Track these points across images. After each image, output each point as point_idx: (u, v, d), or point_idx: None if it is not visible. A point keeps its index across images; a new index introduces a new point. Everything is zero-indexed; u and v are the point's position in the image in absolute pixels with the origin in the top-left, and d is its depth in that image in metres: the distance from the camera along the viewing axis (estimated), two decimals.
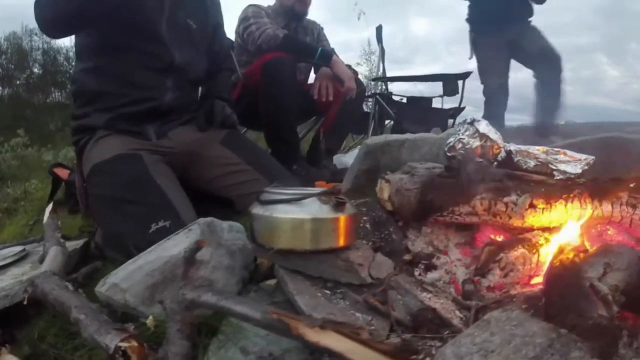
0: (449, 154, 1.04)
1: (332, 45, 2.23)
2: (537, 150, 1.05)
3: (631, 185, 1.07)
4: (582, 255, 0.78)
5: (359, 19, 4.58)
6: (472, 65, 2.86)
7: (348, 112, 2.10)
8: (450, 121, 2.69)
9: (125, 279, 0.77)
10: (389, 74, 3.02)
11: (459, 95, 2.72)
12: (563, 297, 0.70)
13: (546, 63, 2.73)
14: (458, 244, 1.11)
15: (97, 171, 1.25)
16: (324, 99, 1.94)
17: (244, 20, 1.98)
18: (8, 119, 5.78)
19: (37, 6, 1.15)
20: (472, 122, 1.01)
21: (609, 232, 1.09)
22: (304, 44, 1.97)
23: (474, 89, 2.85)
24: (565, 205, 0.99)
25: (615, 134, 1.55)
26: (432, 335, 0.71)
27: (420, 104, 2.81)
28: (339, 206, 0.79)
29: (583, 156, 1.08)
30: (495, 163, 1.04)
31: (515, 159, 1.05)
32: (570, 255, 0.79)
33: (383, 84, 3.09)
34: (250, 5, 2.03)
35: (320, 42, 2.20)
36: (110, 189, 1.20)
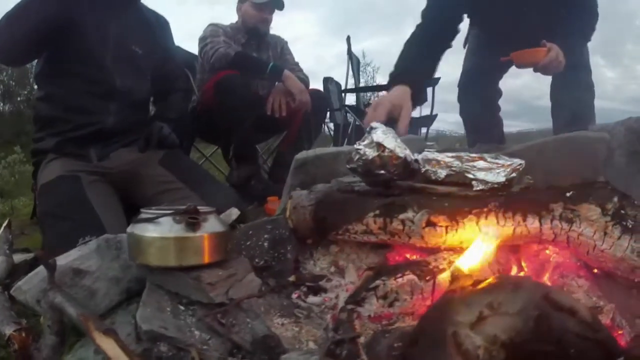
0: (348, 167, 0.86)
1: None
2: (450, 157, 0.85)
3: (567, 194, 0.84)
4: (468, 289, 0.58)
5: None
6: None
7: (310, 127, 1.95)
8: (423, 130, 2.46)
9: (26, 283, 0.83)
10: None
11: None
12: (417, 345, 0.51)
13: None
14: (371, 264, 0.93)
15: (43, 191, 1.28)
16: (277, 115, 1.81)
17: (202, 40, 1.90)
18: (8, 134, 5.86)
19: None
20: (369, 130, 0.84)
21: (547, 253, 0.87)
22: (255, 61, 1.86)
23: None
24: (477, 222, 0.79)
25: (578, 132, 1.29)
26: None
27: None
28: (192, 225, 0.75)
29: (508, 161, 0.87)
30: (401, 174, 0.85)
31: (424, 169, 0.86)
32: (461, 288, 0.59)
33: (355, 95, 2.92)
34: (209, 25, 1.95)
35: (283, 57, 2.08)
36: (49, 206, 1.23)
